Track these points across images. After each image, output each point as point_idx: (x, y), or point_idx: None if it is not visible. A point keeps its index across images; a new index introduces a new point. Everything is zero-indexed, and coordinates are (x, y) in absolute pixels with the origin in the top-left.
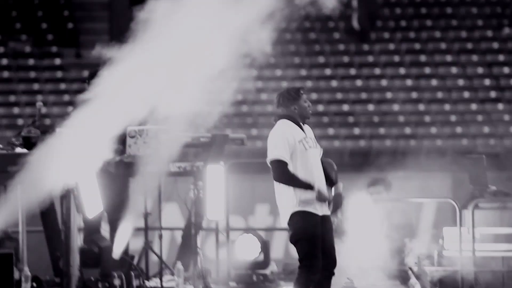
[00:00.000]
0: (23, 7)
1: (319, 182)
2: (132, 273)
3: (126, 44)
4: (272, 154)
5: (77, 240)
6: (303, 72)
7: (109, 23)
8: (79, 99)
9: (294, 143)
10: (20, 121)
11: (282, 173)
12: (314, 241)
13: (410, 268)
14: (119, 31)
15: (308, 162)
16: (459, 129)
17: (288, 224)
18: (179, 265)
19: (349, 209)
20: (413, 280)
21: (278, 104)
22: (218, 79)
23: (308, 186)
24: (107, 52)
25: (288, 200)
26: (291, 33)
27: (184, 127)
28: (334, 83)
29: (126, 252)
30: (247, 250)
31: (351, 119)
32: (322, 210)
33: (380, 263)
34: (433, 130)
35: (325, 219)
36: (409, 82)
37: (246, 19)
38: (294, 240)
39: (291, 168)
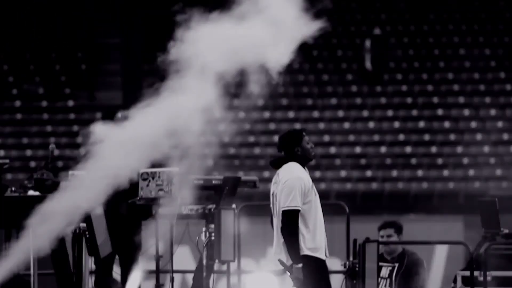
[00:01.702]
0: (37, 48)
1: (325, 237)
2: None
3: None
4: (290, 202)
5: (89, 283)
6: (316, 114)
7: (122, 65)
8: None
9: (309, 189)
10: (32, 163)
11: (293, 227)
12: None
13: None
14: (132, 72)
15: (318, 210)
16: (471, 172)
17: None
18: None
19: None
20: None
21: (280, 146)
22: (231, 122)
23: (296, 258)
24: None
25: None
26: (304, 75)
27: (196, 169)
28: (346, 125)
29: None
30: None
31: (363, 161)
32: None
33: None
34: (446, 172)
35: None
36: (421, 124)
37: (258, 59)
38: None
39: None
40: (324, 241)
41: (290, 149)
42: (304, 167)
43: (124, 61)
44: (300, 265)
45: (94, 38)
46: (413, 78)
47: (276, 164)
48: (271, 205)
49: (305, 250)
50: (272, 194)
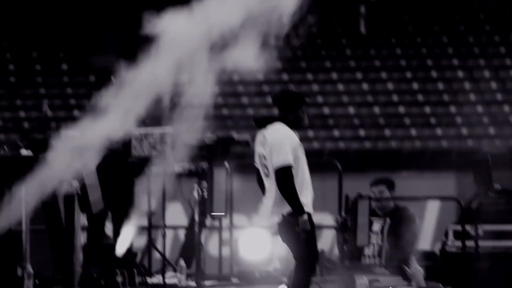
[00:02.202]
0: (32, 11)
1: (312, 193)
2: (135, 270)
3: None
4: (282, 160)
5: (81, 238)
6: (310, 76)
7: (116, 29)
8: (86, 104)
9: (297, 147)
10: (26, 124)
11: (289, 182)
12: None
13: (404, 268)
14: (127, 37)
15: (306, 168)
16: (464, 131)
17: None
18: (182, 262)
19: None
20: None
21: (277, 103)
22: (225, 83)
23: (300, 210)
24: (114, 60)
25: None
26: (298, 38)
27: (189, 129)
28: (340, 87)
29: (129, 250)
30: (251, 247)
31: (356, 121)
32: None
33: (381, 261)
34: (439, 131)
35: None
36: (415, 86)
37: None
38: (299, 240)
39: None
40: (311, 199)
41: (285, 109)
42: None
43: (119, 25)
44: (305, 216)
45: (90, 2)
46: (407, 41)
47: (261, 123)
48: (259, 167)
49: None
50: (260, 156)
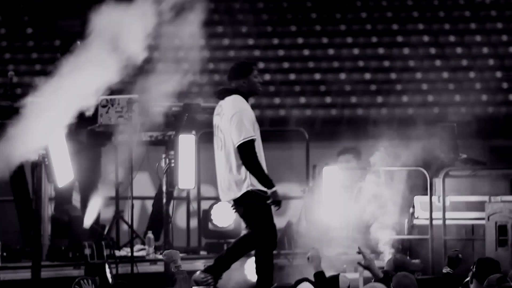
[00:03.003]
0: None
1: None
2: (103, 243)
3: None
4: (244, 134)
5: (48, 210)
6: (275, 41)
7: None
8: (51, 69)
9: (254, 121)
10: None
11: (254, 154)
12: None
13: (361, 252)
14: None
15: (260, 143)
16: (430, 98)
17: (246, 199)
18: (150, 234)
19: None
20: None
21: (229, 76)
22: (191, 49)
23: (269, 183)
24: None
25: (243, 176)
26: (264, 2)
27: (155, 96)
28: (306, 52)
29: (97, 221)
30: (219, 219)
31: (322, 88)
32: None
33: (350, 233)
34: (405, 98)
35: None
36: (381, 51)
37: None
38: (258, 216)
39: None
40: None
41: (237, 79)
42: (247, 100)
43: None
44: (274, 188)
45: None
46: (373, 5)
47: (220, 95)
48: (215, 137)
49: (250, 185)
50: (216, 127)
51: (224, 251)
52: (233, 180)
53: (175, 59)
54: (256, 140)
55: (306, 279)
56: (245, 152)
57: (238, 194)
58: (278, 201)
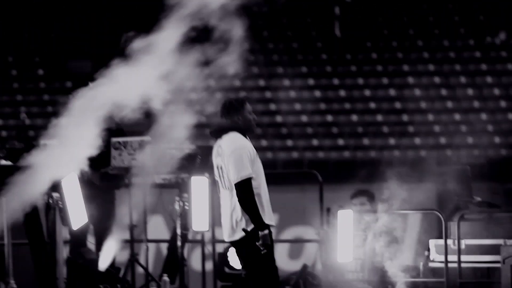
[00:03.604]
0: (6, 17)
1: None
2: (119, 286)
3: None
4: (242, 172)
5: (63, 253)
6: (286, 82)
7: (92, 34)
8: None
9: (254, 157)
10: (3, 133)
11: (251, 194)
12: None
13: None
14: (101, 42)
15: (263, 178)
16: (442, 140)
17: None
18: (165, 277)
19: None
20: None
21: (221, 114)
22: (202, 90)
23: (261, 225)
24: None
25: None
26: (274, 43)
27: (168, 138)
28: (317, 93)
29: (112, 264)
30: (236, 262)
31: (335, 129)
32: None
33: (366, 276)
34: (417, 140)
35: None
36: (392, 92)
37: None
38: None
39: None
40: (270, 208)
41: (231, 117)
42: (245, 137)
43: (93, 30)
44: (266, 231)
45: (66, 9)
46: (383, 46)
47: (217, 134)
48: (217, 178)
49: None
50: (218, 168)
51: None
52: (239, 220)
53: (187, 101)
54: (259, 174)
55: None
56: (242, 191)
57: (241, 235)
58: (267, 245)
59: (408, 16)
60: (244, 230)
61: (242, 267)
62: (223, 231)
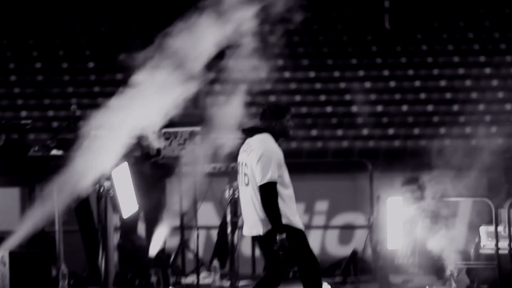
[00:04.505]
0: (58, 10)
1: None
2: (169, 271)
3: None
4: (268, 175)
5: (114, 239)
6: (337, 74)
7: (141, 26)
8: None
9: (282, 161)
10: (54, 124)
11: (274, 197)
12: None
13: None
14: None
15: (290, 182)
16: (493, 129)
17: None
18: (216, 262)
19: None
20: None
21: (262, 115)
22: (251, 82)
23: (279, 228)
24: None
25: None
26: (324, 36)
27: (218, 128)
28: (367, 84)
29: (162, 250)
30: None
31: (385, 119)
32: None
33: (414, 260)
34: (468, 129)
35: None
36: (442, 83)
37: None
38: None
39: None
40: (297, 212)
41: (270, 120)
42: (276, 141)
43: (144, 21)
44: (284, 235)
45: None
46: (434, 38)
47: (249, 132)
48: (240, 174)
49: (283, 220)
50: (241, 164)
51: None
52: (258, 217)
53: (237, 92)
54: (285, 177)
55: None
56: (266, 193)
57: (263, 231)
58: (284, 247)
59: (458, 8)
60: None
61: (264, 258)
62: (244, 226)
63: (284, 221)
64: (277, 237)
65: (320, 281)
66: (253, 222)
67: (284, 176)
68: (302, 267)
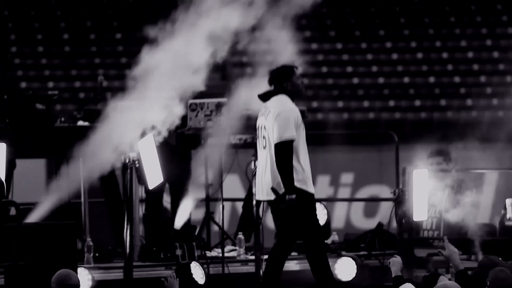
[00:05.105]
0: None
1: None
2: (194, 244)
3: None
4: (285, 133)
5: (139, 211)
6: (363, 45)
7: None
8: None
9: (301, 121)
10: (81, 95)
11: (290, 156)
12: None
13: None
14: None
15: (305, 144)
16: None
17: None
18: (241, 235)
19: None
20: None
21: (270, 80)
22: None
23: (292, 188)
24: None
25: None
26: (351, 7)
27: (244, 100)
28: (394, 56)
29: (188, 222)
30: None
31: (412, 91)
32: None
33: (439, 233)
34: (495, 101)
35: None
36: (470, 55)
37: None
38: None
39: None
40: (310, 175)
41: (280, 83)
42: (292, 101)
43: None
44: (294, 196)
45: None
46: (461, 9)
47: (265, 97)
48: (258, 138)
49: (295, 182)
50: (259, 127)
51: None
52: (272, 181)
53: (265, 64)
54: (301, 141)
55: (410, 280)
56: (281, 151)
57: (280, 192)
58: (292, 207)
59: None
60: (272, 189)
61: (276, 226)
62: (257, 190)
63: (297, 184)
64: (287, 197)
65: (324, 254)
66: (267, 186)
67: (301, 138)
68: (307, 238)
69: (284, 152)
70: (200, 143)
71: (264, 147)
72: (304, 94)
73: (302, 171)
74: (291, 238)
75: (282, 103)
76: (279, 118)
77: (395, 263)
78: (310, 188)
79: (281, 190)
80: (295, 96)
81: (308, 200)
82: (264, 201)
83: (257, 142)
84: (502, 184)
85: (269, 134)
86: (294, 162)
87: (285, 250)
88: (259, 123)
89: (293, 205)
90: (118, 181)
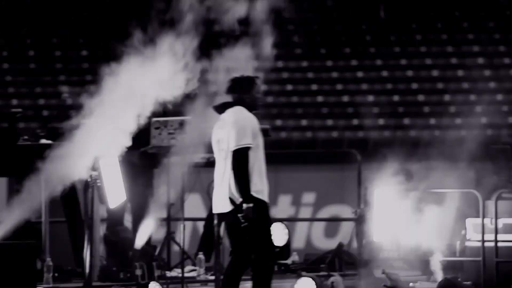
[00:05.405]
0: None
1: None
2: (154, 263)
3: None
4: (242, 140)
5: (100, 231)
6: (330, 63)
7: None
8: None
9: (258, 131)
10: (45, 112)
11: (246, 164)
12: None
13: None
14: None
15: (263, 154)
16: (484, 120)
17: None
18: (201, 255)
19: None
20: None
21: (229, 90)
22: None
23: (248, 197)
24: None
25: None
26: (318, 25)
27: (207, 118)
28: (359, 74)
29: (148, 242)
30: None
31: (375, 109)
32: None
33: (401, 254)
34: (458, 120)
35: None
36: (435, 73)
37: None
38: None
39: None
40: (266, 186)
41: (239, 94)
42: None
43: (139, 10)
44: (251, 204)
45: None
46: (427, 27)
47: (221, 108)
48: (216, 154)
49: (252, 192)
50: (218, 141)
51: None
52: (228, 193)
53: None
54: (259, 151)
55: None
56: (238, 158)
57: (230, 208)
58: (248, 218)
59: None
60: (230, 199)
61: (230, 241)
62: (213, 203)
63: (254, 194)
64: (244, 205)
65: (271, 268)
66: (222, 197)
67: (259, 147)
68: (258, 249)
69: (241, 158)
70: (163, 161)
71: (224, 159)
72: (259, 109)
73: (259, 182)
74: (247, 252)
75: (239, 113)
76: (236, 126)
77: (338, 283)
78: (266, 198)
79: (238, 200)
80: (251, 110)
81: (263, 209)
82: (219, 214)
83: (216, 156)
84: (463, 204)
85: (227, 145)
86: (251, 172)
87: (241, 266)
88: (217, 137)
89: (251, 214)
90: (80, 200)
